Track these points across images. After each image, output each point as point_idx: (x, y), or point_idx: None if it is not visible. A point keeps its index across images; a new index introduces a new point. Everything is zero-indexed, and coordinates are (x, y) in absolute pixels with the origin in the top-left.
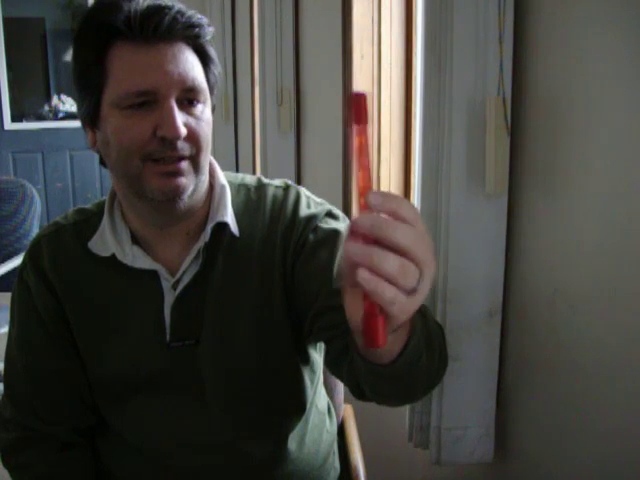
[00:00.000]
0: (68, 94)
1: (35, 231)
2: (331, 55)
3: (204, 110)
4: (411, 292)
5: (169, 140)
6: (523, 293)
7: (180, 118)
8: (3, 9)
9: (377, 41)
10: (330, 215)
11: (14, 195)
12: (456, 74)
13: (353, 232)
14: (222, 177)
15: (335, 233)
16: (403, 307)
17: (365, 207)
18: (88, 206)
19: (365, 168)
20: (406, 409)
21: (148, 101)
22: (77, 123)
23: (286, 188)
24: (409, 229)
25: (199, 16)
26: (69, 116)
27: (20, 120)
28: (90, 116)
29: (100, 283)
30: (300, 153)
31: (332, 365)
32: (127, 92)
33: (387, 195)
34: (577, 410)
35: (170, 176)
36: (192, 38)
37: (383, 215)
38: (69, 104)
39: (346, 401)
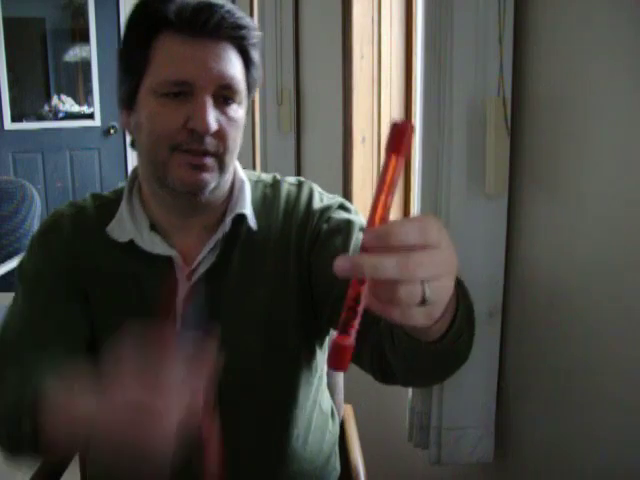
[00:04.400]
0: (68, 94)
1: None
2: (331, 55)
3: (238, 111)
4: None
5: (198, 133)
6: (523, 293)
7: (212, 113)
8: (3, 9)
9: (377, 41)
10: (342, 207)
11: (14, 195)
12: (456, 74)
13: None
14: (242, 173)
15: (348, 222)
16: (445, 293)
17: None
18: (105, 193)
19: (382, 205)
20: (406, 409)
21: (184, 92)
22: (77, 123)
23: (299, 185)
24: (410, 225)
25: (248, 19)
26: (69, 116)
27: (20, 120)
28: (127, 98)
29: (116, 268)
30: (300, 153)
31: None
32: (165, 80)
33: (379, 234)
34: (577, 410)
35: (195, 169)
36: (237, 39)
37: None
38: (69, 104)
39: (346, 401)
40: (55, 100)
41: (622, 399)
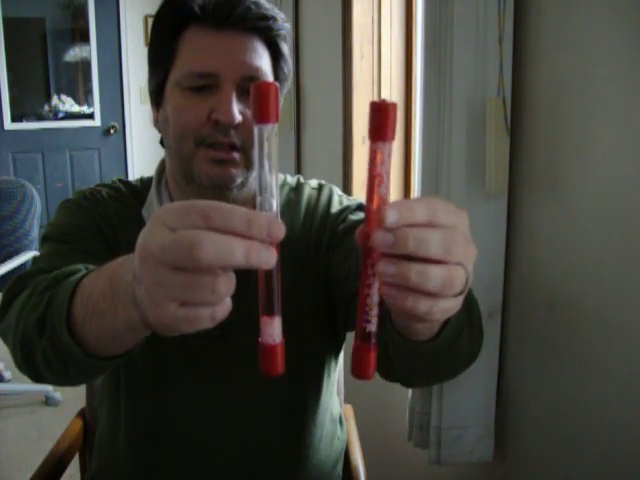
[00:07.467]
0: (68, 94)
1: (35, 231)
2: (331, 55)
3: None
4: (457, 295)
5: (222, 124)
6: (523, 293)
7: (237, 105)
8: (3, 9)
9: (377, 41)
10: (361, 208)
11: (14, 195)
12: (456, 74)
13: (372, 250)
14: None
15: None
16: (449, 311)
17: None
18: (131, 180)
19: (376, 201)
20: (406, 409)
21: (209, 85)
22: (77, 123)
23: (320, 188)
24: (438, 234)
25: (276, 10)
26: (69, 116)
27: (20, 120)
28: (156, 93)
29: None
30: (300, 152)
31: None
32: (190, 72)
33: (402, 206)
34: (577, 410)
35: (221, 164)
36: (264, 30)
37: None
38: (69, 104)
39: (346, 401)
40: (55, 100)
41: (623, 399)
